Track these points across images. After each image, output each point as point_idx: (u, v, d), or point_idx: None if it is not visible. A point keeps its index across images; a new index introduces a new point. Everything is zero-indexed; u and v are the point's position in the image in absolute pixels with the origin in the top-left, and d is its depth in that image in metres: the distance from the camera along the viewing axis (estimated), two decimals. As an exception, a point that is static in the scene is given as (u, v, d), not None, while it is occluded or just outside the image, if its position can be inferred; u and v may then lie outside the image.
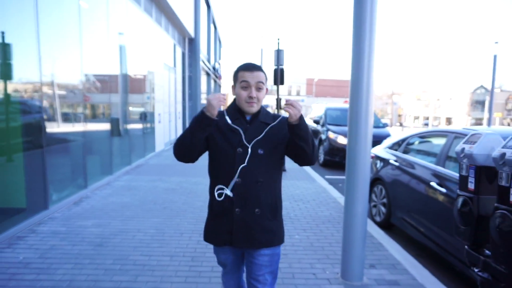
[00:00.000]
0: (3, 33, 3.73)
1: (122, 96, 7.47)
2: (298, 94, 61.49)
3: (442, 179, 3.59)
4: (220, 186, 1.78)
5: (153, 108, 10.05)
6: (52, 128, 4.72)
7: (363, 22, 2.84)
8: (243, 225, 1.81)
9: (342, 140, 9.07)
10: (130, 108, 8.06)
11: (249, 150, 1.77)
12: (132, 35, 7.99)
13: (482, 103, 69.10)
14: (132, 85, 8.23)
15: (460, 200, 2.65)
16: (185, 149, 1.78)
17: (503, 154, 2.16)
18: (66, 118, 5.14)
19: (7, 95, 3.84)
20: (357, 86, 2.92)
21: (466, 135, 3.63)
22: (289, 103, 1.68)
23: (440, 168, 3.72)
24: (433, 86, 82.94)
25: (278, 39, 8.61)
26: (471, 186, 2.58)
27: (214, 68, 24.58)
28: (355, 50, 2.91)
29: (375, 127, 7.23)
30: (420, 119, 78.78)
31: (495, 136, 2.52)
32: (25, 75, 4.17)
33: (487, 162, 2.48)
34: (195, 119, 1.74)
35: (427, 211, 3.76)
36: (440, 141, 4.01)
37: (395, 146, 4.97)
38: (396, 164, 4.57)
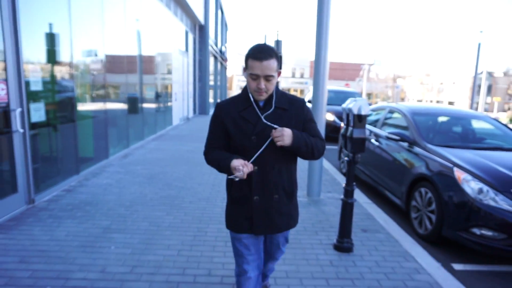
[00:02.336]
0: (50, 24, 4.65)
1: (146, 77, 9.23)
2: (302, 76, 62.59)
3: (377, 136, 5.38)
4: (232, 176, 1.77)
5: (170, 88, 11.82)
6: (103, 105, 6.52)
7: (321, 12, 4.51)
8: (263, 212, 1.85)
9: (329, 117, 10.77)
10: (152, 88, 9.83)
11: (263, 137, 1.77)
12: (150, 23, 9.68)
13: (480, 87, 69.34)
14: (155, 68, 9.97)
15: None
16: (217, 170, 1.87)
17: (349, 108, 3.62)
18: (111, 97, 6.93)
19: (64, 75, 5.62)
20: (317, 61, 4.64)
21: (395, 109, 5.41)
22: (274, 137, 1.71)
23: (377, 130, 5.50)
24: (437, 70, 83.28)
25: (277, 31, 10.23)
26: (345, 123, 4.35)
27: (221, 51, 26.08)
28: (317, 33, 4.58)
29: None
30: (422, 103, 79.49)
31: (364, 101, 4.07)
32: (62, 59, 5.89)
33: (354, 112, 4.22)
34: (222, 166, 1.80)
35: (370, 160, 5.54)
36: (380, 113, 5.78)
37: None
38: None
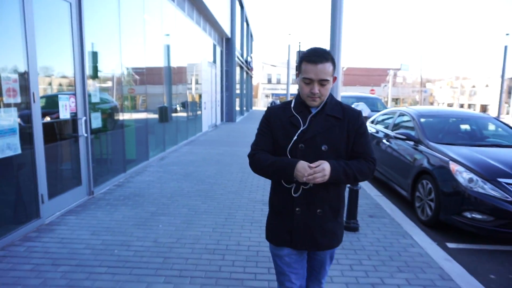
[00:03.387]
0: (93, 44, 5.23)
1: (179, 88, 10.16)
2: (327, 83, 62.67)
3: (388, 137, 5.93)
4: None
5: (200, 98, 12.75)
6: (144, 114, 7.42)
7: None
8: (303, 225, 1.74)
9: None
10: (184, 98, 10.75)
11: (312, 145, 1.69)
12: (181, 38, 10.64)
13: (518, 89, 66.63)
14: (186, 79, 10.90)
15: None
16: (262, 174, 1.76)
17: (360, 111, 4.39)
18: (150, 107, 7.84)
19: (103, 89, 6.53)
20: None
21: (404, 112, 5.94)
22: (308, 178, 1.58)
23: (388, 131, 6.05)
24: (468, 73, 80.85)
25: (300, 42, 10.92)
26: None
27: (246, 61, 27.08)
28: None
29: None
30: (454, 106, 77.30)
31: (364, 105, 4.69)
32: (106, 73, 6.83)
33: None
34: (282, 172, 1.67)
35: (381, 159, 6.08)
36: (392, 116, 6.32)
37: (372, 121, 7.27)
38: (371, 131, 6.89)
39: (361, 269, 3.08)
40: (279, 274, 1.86)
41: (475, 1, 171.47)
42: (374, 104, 12.46)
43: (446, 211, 4.09)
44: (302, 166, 1.59)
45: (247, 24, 27.20)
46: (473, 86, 74.23)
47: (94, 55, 5.12)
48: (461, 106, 72.53)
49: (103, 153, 5.49)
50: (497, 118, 5.62)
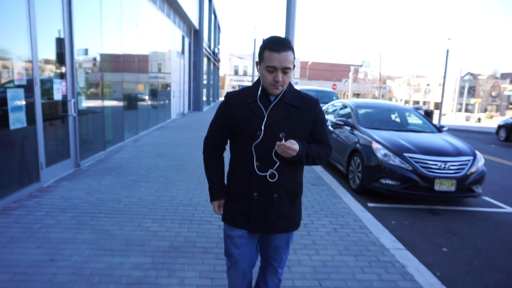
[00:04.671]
0: (79, 35, 6.84)
1: (150, 77, 10.86)
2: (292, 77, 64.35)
3: (333, 124, 7.11)
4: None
5: (169, 87, 13.45)
6: (120, 100, 8.14)
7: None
8: (261, 210, 1.77)
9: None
10: (156, 86, 11.45)
11: (269, 133, 1.70)
12: (152, 29, 11.31)
13: (468, 89, 71.51)
14: (157, 69, 11.58)
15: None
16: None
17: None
18: (123, 93, 8.55)
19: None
20: None
21: (346, 103, 7.12)
22: (279, 149, 1.63)
23: (332, 119, 7.24)
24: (426, 72, 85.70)
25: (264, 37, 11.87)
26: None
27: (214, 52, 27.72)
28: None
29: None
30: (410, 103, 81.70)
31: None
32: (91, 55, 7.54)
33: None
34: (209, 188, 1.90)
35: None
36: (337, 107, 7.52)
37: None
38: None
39: (298, 216, 4.18)
40: (227, 255, 1.92)
41: (431, 4, 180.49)
42: (330, 97, 13.75)
43: (369, 179, 5.30)
44: (216, 204, 1.90)
45: (215, 16, 27.79)
46: (428, 85, 79.01)
47: (81, 46, 5.83)
48: (416, 103, 77.23)
49: (87, 133, 6.23)
50: (416, 110, 6.95)
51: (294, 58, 1.70)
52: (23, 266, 2.74)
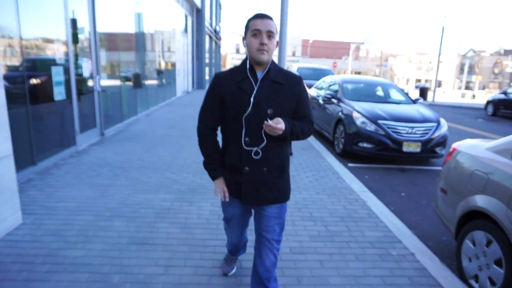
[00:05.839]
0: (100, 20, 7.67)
1: (156, 55, 11.69)
2: (293, 54, 64.53)
3: (323, 98, 8.02)
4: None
5: (175, 66, 14.28)
6: (133, 79, 9.03)
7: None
8: (251, 182, 1.91)
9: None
10: (162, 65, 12.31)
11: (258, 109, 1.81)
12: (157, 9, 12.06)
13: (469, 66, 71.22)
14: (164, 48, 12.39)
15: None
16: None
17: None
18: (139, 71, 9.44)
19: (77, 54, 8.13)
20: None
21: (334, 79, 8.00)
22: (267, 128, 1.74)
23: (322, 93, 8.14)
24: (428, 49, 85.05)
25: (268, 11, 12.58)
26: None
27: (215, 31, 28.21)
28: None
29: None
30: (412, 81, 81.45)
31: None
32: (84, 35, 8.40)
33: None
34: (207, 169, 2.00)
35: (317, 114, 8.18)
36: (327, 82, 8.41)
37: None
38: (313, 95, 8.95)
39: (288, 170, 5.18)
40: (225, 219, 2.23)
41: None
42: (326, 75, 14.56)
43: (349, 143, 6.28)
44: (220, 182, 2.00)
45: (216, -5, 28.12)
46: (430, 62, 78.62)
47: (101, 28, 6.70)
48: (418, 81, 77.20)
49: (106, 107, 7.18)
50: (395, 85, 7.83)
51: (277, 31, 1.83)
52: (83, 198, 3.76)
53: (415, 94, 33.10)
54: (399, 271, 2.71)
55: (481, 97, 33.83)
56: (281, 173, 1.96)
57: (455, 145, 3.23)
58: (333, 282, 2.52)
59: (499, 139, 2.81)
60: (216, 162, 1.99)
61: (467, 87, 67.59)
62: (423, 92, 22.55)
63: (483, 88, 62.45)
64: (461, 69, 73.57)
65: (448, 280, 2.64)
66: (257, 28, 1.77)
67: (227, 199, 2.00)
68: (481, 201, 2.59)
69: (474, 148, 2.97)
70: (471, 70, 70.40)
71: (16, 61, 4.07)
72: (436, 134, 5.96)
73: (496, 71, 73.11)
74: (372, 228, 3.43)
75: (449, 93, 42.78)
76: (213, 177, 2.00)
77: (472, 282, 2.64)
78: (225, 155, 1.96)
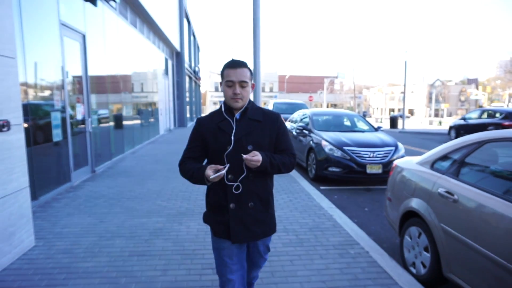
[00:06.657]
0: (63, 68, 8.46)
1: (140, 96, 12.42)
2: (271, 90, 66.81)
3: (296, 130, 8.83)
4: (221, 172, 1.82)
5: (157, 106, 15.03)
6: (121, 120, 9.67)
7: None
8: (238, 219, 1.94)
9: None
10: (148, 106, 13.01)
11: (238, 147, 1.89)
12: (141, 55, 12.95)
13: (436, 95, 74.90)
14: (147, 89, 13.15)
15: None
16: (187, 179, 2.00)
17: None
18: (124, 113, 10.10)
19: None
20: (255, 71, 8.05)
21: (306, 113, 8.89)
22: (246, 161, 1.82)
23: (295, 125, 8.97)
24: (399, 80, 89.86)
25: (241, 51, 13.64)
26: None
27: (194, 71, 29.45)
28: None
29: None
30: (385, 110, 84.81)
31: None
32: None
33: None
34: (196, 177, 1.92)
35: (294, 145, 8.94)
36: (300, 115, 9.29)
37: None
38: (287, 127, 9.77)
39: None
40: (220, 266, 2.03)
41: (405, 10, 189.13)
42: (300, 109, 15.59)
43: (320, 169, 7.01)
44: (209, 166, 1.86)
45: (194, 37, 29.64)
46: (402, 92, 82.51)
47: (92, 73, 7.41)
48: (392, 110, 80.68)
49: (99, 144, 7.74)
50: (359, 115, 8.77)
51: (251, 76, 1.94)
52: (84, 224, 4.27)
53: (387, 123, 34.85)
54: (354, 264, 3.34)
55: (447, 124, 35.92)
56: (267, 207, 2.02)
57: (396, 162, 4.00)
58: (301, 274, 3.12)
59: (424, 154, 3.59)
60: (198, 165, 1.99)
61: (437, 115, 70.97)
62: (394, 121, 23.99)
63: (451, 115, 65.88)
64: (430, 98, 77.63)
65: (393, 269, 3.29)
66: (230, 80, 1.90)
67: (226, 169, 1.85)
68: (412, 203, 3.31)
69: (408, 163, 3.74)
70: (438, 99, 74.23)
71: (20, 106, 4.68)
72: (395, 157, 6.79)
73: (462, 98, 77.46)
74: (335, 235, 4.08)
75: (421, 121, 45.10)
76: (202, 172, 1.89)
77: (412, 269, 3.30)
78: (210, 195, 2.03)
